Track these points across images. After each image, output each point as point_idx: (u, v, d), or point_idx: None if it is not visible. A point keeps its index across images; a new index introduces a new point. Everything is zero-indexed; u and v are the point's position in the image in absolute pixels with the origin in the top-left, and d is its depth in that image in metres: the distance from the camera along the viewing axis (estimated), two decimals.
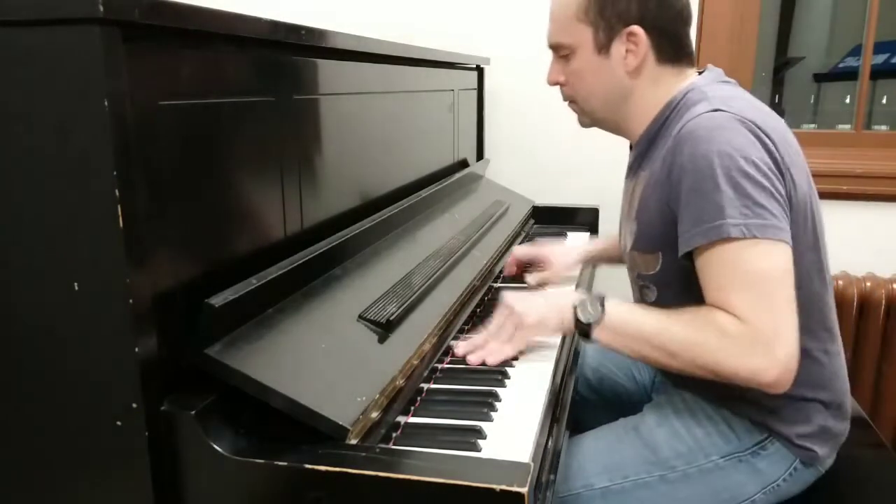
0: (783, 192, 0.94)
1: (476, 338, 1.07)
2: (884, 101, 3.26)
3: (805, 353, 1.01)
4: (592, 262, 1.54)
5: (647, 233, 1.06)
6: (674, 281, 1.03)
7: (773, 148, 0.95)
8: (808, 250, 1.00)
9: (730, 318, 0.91)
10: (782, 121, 1.03)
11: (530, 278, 1.43)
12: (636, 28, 1.04)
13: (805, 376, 1.02)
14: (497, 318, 1.08)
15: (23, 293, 0.70)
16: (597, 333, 1.00)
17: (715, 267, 0.93)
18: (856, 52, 3.10)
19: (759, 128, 0.95)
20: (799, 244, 0.97)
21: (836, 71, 3.46)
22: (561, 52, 1.12)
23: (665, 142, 1.03)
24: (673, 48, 1.08)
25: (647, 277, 1.09)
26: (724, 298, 0.92)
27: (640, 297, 1.14)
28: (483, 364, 1.03)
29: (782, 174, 0.95)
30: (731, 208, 0.90)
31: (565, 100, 1.18)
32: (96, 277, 0.67)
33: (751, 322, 0.90)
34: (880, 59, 3.10)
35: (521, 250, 1.50)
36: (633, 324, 0.99)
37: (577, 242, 1.76)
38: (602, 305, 1.00)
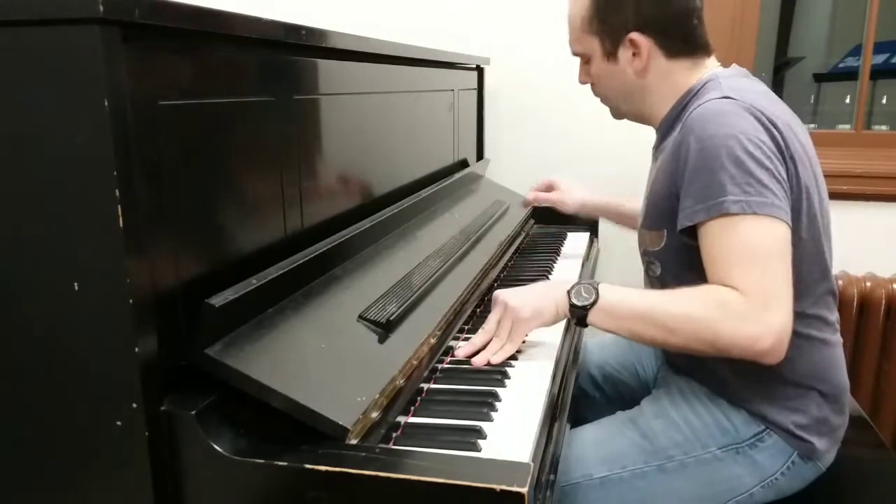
0: (784, 175, 0.97)
1: (475, 339, 1.07)
2: (884, 101, 3.26)
3: (804, 339, 1.04)
4: (595, 211, 1.73)
5: (655, 211, 1.10)
6: (676, 257, 1.07)
7: (776, 134, 0.98)
8: (807, 240, 1.02)
9: (728, 291, 0.94)
10: (796, 116, 1.08)
11: (531, 196, 1.75)
12: (635, 35, 1.10)
13: (803, 363, 1.05)
14: (493, 317, 1.08)
15: (23, 293, 0.70)
16: (592, 317, 1.01)
17: (716, 241, 0.96)
18: (856, 52, 3.10)
19: (764, 115, 0.99)
20: (805, 236, 1.00)
21: (836, 71, 3.46)
22: (582, 58, 1.21)
23: (677, 128, 1.07)
24: (681, 43, 1.12)
25: (653, 253, 1.13)
26: (723, 271, 0.95)
27: (647, 273, 1.19)
28: (488, 364, 1.03)
29: (785, 161, 0.98)
30: (733, 185, 0.94)
31: (596, 96, 1.25)
32: (96, 277, 0.67)
33: (748, 292, 0.92)
34: (880, 59, 3.10)
35: (536, 190, 1.76)
36: (628, 303, 1.00)
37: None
38: (595, 289, 1.01)
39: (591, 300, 1.01)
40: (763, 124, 0.98)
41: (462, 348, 1.07)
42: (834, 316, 1.11)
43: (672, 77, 1.13)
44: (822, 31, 3.79)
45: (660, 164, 1.11)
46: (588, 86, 1.24)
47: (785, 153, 0.98)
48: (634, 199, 1.47)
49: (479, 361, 1.03)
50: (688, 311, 0.96)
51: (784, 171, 0.97)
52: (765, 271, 0.93)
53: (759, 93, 1.05)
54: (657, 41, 1.11)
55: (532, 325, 1.06)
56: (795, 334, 0.97)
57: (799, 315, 0.99)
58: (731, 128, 0.96)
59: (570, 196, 1.69)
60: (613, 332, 1.03)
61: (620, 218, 1.63)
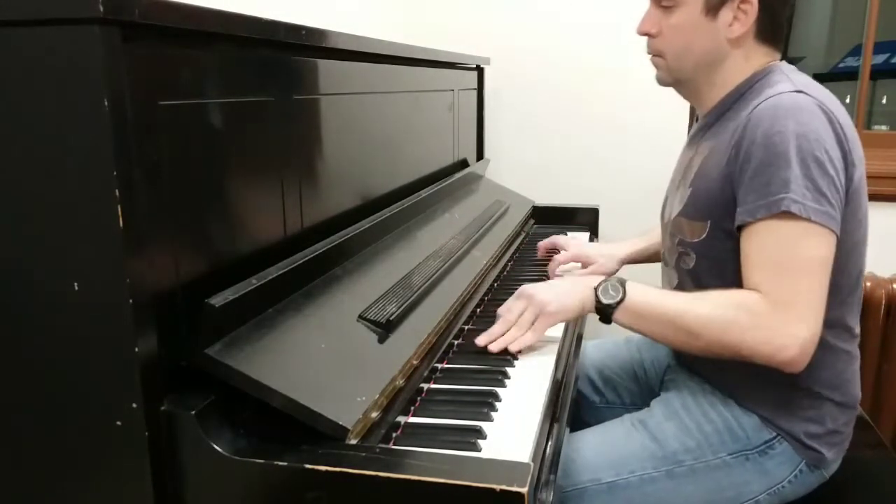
0: (843, 185, 0.96)
1: (494, 328, 1.07)
2: (884, 101, 3.25)
3: (829, 349, 1.03)
4: (631, 262, 1.50)
5: (701, 200, 1.06)
6: (717, 250, 1.04)
7: (844, 140, 0.96)
8: (855, 246, 1.01)
9: (756, 297, 0.93)
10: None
11: (561, 271, 1.45)
12: None
13: (824, 373, 1.04)
14: (516, 307, 1.07)
15: (23, 293, 0.70)
16: (618, 315, 1.01)
17: (762, 240, 0.94)
18: (856, 52, 3.09)
19: (836, 118, 0.96)
20: (847, 240, 0.98)
21: (836, 71, 3.45)
22: (664, 2, 1.07)
23: (738, 115, 1.03)
24: (773, 29, 1.06)
25: (690, 245, 1.09)
26: (760, 275, 0.94)
27: (677, 264, 1.13)
28: (504, 352, 1.03)
29: (847, 168, 0.96)
30: (796, 185, 0.91)
31: (650, 52, 1.13)
32: (96, 277, 0.67)
33: (777, 300, 0.91)
34: (880, 59, 3.10)
35: (564, 255, 1.46)
36: (655, 305, 1.00)
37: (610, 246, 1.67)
38: (623, 287, 1.01)
39: (618, 298, 1.00)
40: (833, 127, 0.95)
41: (480, 337, 1.06)
42: (858, 327, 1.09)
43: (749, 59, 1.06)
44: (822, 31, 3.78)
45: (710, 152, 1.06)
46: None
47: (848, 158, 0.96)
48: (654, 232, 1.42)
49: (495, 348, 1.03)
50: (714, 316, 0.95)
51: (844, 178, 0.95)
52: (803, 281, 0.92)
53: (825, 91, 1.01)
54: (760, 14, 1.03)
55: (556, 320, 1.05)
56: (822, 343, 0.96)
57: (829, 322, 0.97)
58: (803, 126, 0.93)
59: (610, 265, 1.45)
60: (636, 331, 1.02)
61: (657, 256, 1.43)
